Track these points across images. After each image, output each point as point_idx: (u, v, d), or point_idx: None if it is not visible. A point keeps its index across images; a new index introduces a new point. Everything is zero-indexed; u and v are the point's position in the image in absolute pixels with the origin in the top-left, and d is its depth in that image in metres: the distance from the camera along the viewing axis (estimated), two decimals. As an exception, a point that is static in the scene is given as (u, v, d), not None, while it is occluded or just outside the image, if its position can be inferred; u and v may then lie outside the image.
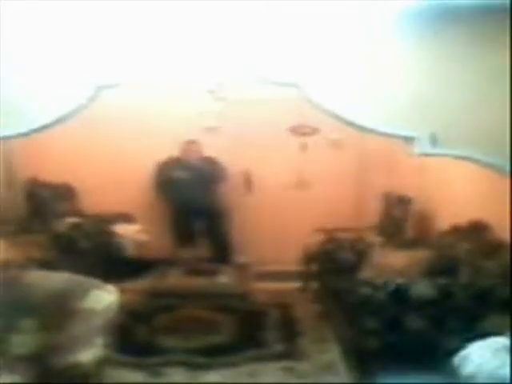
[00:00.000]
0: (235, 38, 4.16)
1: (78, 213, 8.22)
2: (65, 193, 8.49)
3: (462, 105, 4.27)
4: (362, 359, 5.10)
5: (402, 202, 7.60)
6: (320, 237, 7.54)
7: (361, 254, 6.40)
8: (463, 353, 3.90)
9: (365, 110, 4.24)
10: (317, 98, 4.22)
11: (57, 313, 3.98)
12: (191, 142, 8.58)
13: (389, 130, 4.28)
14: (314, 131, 8.21)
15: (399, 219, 7.53)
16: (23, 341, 3.95)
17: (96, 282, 4.23)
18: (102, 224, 7.95)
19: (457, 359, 3.91)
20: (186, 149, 8.61)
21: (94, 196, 8.38)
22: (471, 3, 4.01)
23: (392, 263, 5.75)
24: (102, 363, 3.88)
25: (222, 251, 8.73)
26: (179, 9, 4.09)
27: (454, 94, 4.27)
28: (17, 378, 3.66)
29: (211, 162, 8.66)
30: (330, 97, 4.20)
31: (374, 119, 4.24)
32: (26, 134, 4.27)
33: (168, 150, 8.41)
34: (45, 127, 4.24)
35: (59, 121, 4.23)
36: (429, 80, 4.26)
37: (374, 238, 7.52)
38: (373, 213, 8.27)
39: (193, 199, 8.39)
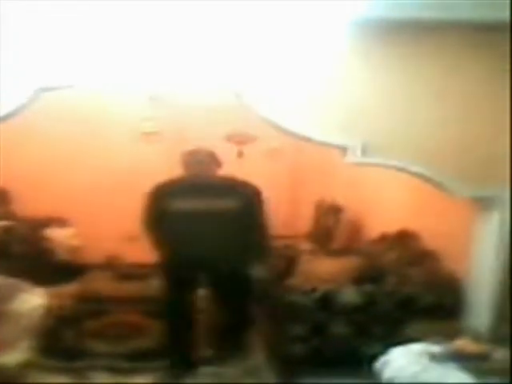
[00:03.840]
0: (177, 44, 4.18)
1: (10, 216, 8.11)
2: (-3, 195, 8.39)
3: (397, 116, 4.37)
4: (287, 364, 5.15)
5: (334, 210, 7.69)
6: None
7: (291, 261, 6.46)
8: (384, 358, 3.99)
9: (302, 118, 4.30)
10: (255, 106, 4.27)
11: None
12: (199, 153, 5.26)
13: (324, 139, 4.37)
14: (249, 139, 8.27)
15: (330, 227, 7.61)
16: None
17: (24, 284, 4.22)
18: (34, 228, 7.88)
19: (378, 364, 4.00)
20: (191, 162, 5.20)
21: (27, 199, 8.29)
22: (415, 17, 4.10)
23: (321, 270, 5.80)
24: (26, 366, 3.86)
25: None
26: (121, 14, 4.11)
27: (390, 105, 4.37)
28: None
29: (241, 185, 5.40)
30: (267, 105, 4.25)
31: (310, 128, 4.31)
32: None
33: (106, 154, 8.37)
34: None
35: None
36: (365, 90, 4.34)
37: (305, 246, 7.61)
38: (305, 221, 8.36)
39: (208, 246, 5.09)
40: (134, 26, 4.15)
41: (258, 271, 5.28)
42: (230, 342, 5.46)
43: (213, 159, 5.25)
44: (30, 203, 8.24)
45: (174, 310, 5.38)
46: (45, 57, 4.14)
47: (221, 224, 5.12)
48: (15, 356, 3.71)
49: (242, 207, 5.16)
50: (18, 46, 4.13)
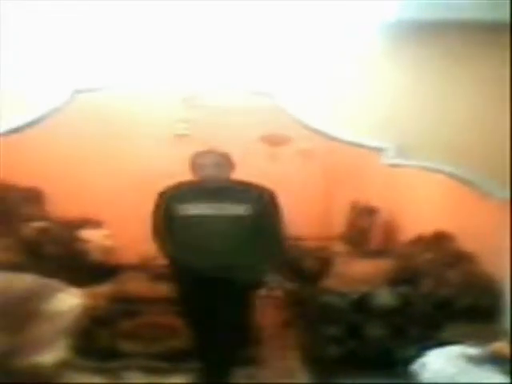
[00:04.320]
0: (210, 46, 4.21)
1: (45, 217, 8.16)
2: (33, 196, 8.43)
3: (431, 116, 4.37)
4: (322, 366, 5.12)
5: (368, 211, 7.65)
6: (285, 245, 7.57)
7: (325, 262, 6.44)
8: (421, 360, 3.95)
9: (336, 119, 4.31)
10: (289, 107, 4.30)
11: (19, 314, 3.96)
12: (211, 155, 4.80)
13: (358, 141, 4.35)
14: (284, 141, 8.26)
15: (365, 229, 7.57)
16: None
17: (61, 284, 4.22)
18: (68, 229, 7.91)
19: (415, 366, 3.96)
20: (203, 164, 4.74)
21: (62, 200, 8.34)
22: (446, 18, 4.08)
23: (355, 272, 5.78)
24: (62, 366, 3.87)
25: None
26: (155, 16, 4.13)
27: (423, 106, 4.37)
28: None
29: (255, 190, 4.94)
30: (302, 106, 4.28)
31: (344, 129, 4.31)
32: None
33: (139, 156, 8.39)
34: (16, 130, 4.26)
35: (31, 124, 4.25)
36: (397, 91, 4.34)
37: (339, 247, 7.57)
38: (339, 222, 8.32)
39: (223, 254, 4.70)
40: (167, 27, 4.18)
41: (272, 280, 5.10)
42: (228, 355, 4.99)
43: (227, 161, 4.81)
44: (64, 204, 8.30)
45: (190, 314, 5.09)
46: (79, 59, 4.19)
47: (233, 231, 4.71)
48: (52, 355, 3.71)
49: (257, 213, 4.74)
50: (53, 48, 4.18)
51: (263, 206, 4.81)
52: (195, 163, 4.78)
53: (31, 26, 4.17)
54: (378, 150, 4.37)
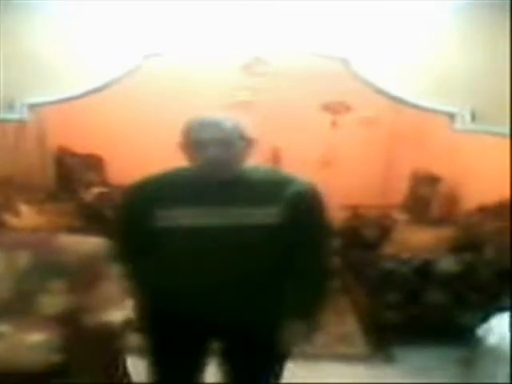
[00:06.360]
0: (275, 9, 4.16)
1: (105, 183, 8.28)
2: (93, 163, 8.53)
3: (503, 81, 4.26)
4: (380, 332, 5.18)
5: (431, 180, 7.57)
6: (345, 213, 7.57)
7: (385, 230, 6.42)
8: (487, 324, 3.94)
9: (408, 85, 4.27)
10: (360, 72, 4.24)
11: (87, 275, 4.07)
12: (210, 124, 2.72)
13: (432, 106, 4.31)
14: (346, 109, 8.22)
15: (427, 197, 7.52)
16: (52, 301, 4.06)
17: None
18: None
19: (480, 331, 3.95)
20: (202, 142, 2.70)
21: (121, 167, 8.41)
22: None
23: (416, 240, 5.76)
24: (129, 325, 3.93)
25: None
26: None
27: (497, 70, 4.26)
28: (46, 337, 3.75)
29: (285, 183, 2.81)
30: (373, 70, 4.23)
31: (417, 94, 4.26)
32: (59, 102, 4.34)
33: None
34: (81, 96, 4.31)
35: (96, 90, 4.30)
36: (472, 56, 4.25)
37: (400, 216, 7.53)
38: (401, 190, 8.26)
39: (233, 292, 2.74)
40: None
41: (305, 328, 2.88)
42: None
43: (239, 135, 2.80)
44: (123, 170, 8.34)
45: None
46: (143, 25, 4.19)
47: (251, 252, 2.73)
48: (120, 314, 3.76)
49: (290, 222, 2.72)
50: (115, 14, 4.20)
51: (301, 209, 2.77)
52: (188, 140, 2.81)
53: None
54: (451, 115, 4.31)
